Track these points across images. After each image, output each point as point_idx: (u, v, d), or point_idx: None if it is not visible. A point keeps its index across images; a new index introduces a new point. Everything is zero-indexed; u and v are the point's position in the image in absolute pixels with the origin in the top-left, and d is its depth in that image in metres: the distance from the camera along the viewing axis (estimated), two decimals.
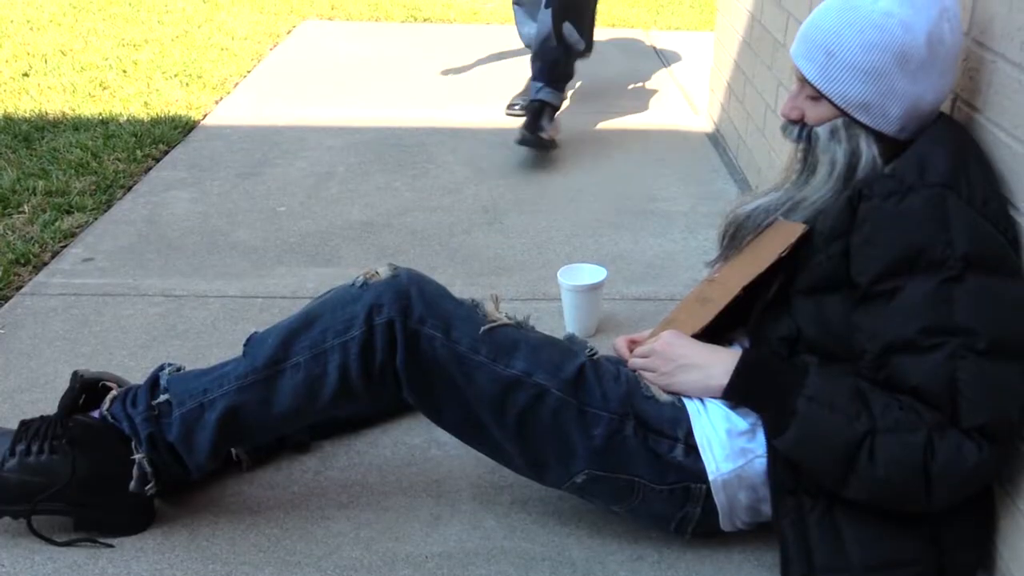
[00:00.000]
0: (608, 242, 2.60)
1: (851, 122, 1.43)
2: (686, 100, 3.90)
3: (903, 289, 1.27)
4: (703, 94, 3.87)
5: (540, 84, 3.06)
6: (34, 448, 1.47)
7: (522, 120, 3.01)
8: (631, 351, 1.60)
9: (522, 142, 2.94)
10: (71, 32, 4.72)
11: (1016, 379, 1.26)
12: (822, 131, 1.45)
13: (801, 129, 1.48)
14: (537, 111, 2.99)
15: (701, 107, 3.78)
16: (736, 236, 1.56)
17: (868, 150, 1.43)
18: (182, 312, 2.23)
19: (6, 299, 2.28)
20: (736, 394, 1.40)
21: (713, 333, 1.51)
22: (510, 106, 3.16)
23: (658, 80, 4.16)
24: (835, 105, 1.43)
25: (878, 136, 1.43)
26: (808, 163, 1.49)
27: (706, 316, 1.50)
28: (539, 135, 2.92)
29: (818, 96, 1.44)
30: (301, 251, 2.55)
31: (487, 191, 2.94)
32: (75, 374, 1.54)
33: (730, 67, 3.31)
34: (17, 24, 4.85)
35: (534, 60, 3.12)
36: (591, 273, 2.16)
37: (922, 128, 1.42)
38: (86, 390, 1.54)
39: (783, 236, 1.47)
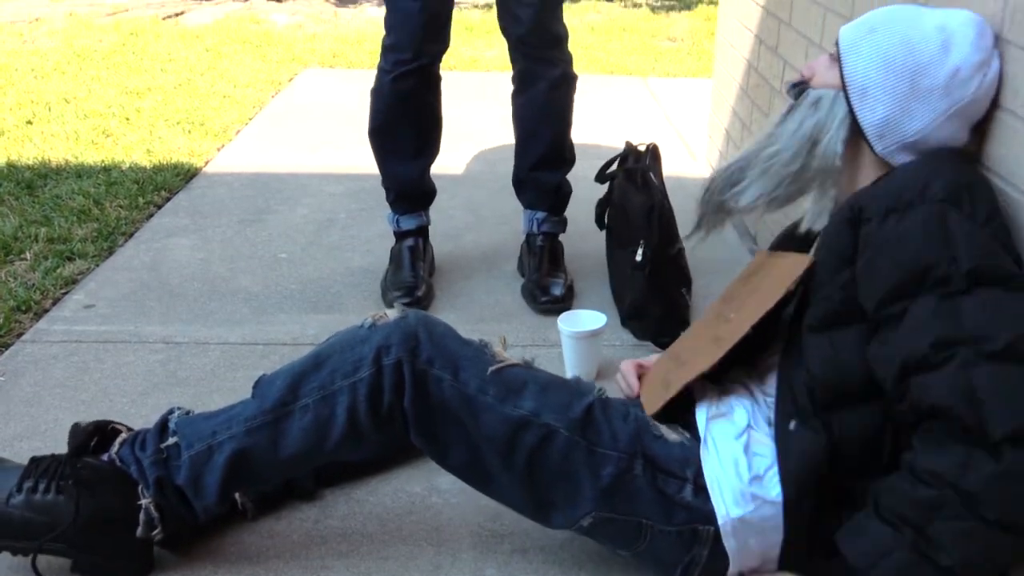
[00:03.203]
0: (608, 288, 2.61)
1: (842, 99, 1.44)
2: (684, 146, 3.93)
3: (911, 310, 1.24)
4: (701, 140, 3.91)
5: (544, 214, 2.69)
6: (41, 486, 1.48)
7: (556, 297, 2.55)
8: (639, 376, 1.60)
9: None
10: (75, 80, 4.77)
11: None
12: (812, 94, 1.47)
13: (800, 84, 1.50)
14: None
15: (699, 153, 3.81)
16: (712, 201, 1.55)
17: (837, 130, 1.44)
18: (183, 359, 2.23)
19: (7, 346, 2.29)
20: None
21: (719, 369, 1.50)
22: (543, 302, 2.53)
23: (656, 126, 4.20)
24: (841, 75, 1.44)
25: (856, 127, 1.43)
26: (786, 117, 1.50)
27: (716, 354, 1.48)
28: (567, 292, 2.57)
29: (836, 60, 1.46)
30: (302, 298, 2.55)
31: (487, 237, 2.96)
32: (75, 426, 1.55)
33: (728, 114, 3.34)
34: (22, 72, 4.90)
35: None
36: (591, 319, 2.17)
37: (900, 152, 1.42)
38: (97, 432, 1.54)
39: (789, 269, 1.45)
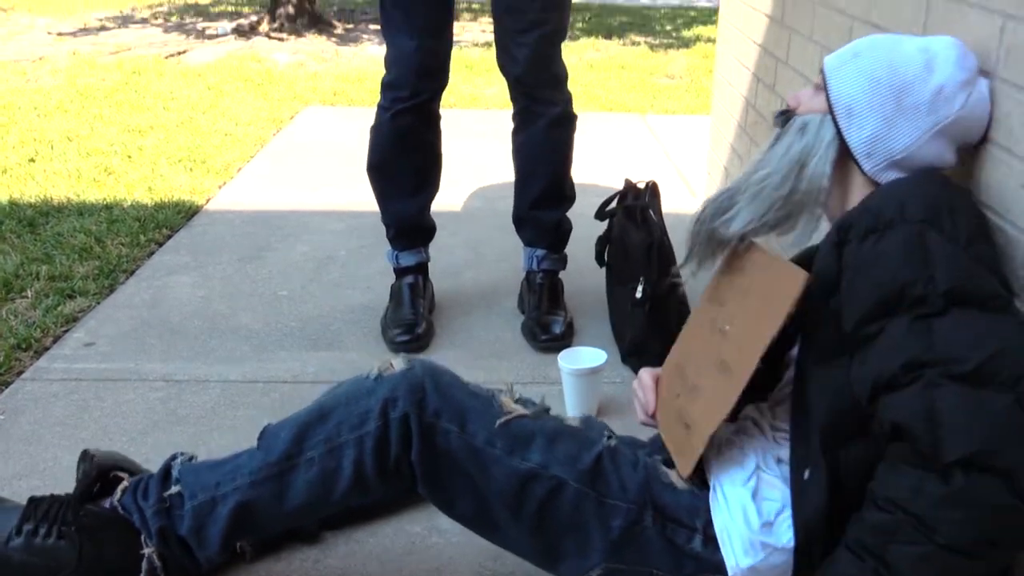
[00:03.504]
0: (608, 325, 2.61)
1: (829, 122, 1.45)
2: (684, 183, 3.95)
3: (886, 329, 1.22)
4: (700, 177, 3.93)
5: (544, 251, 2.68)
6: (42, 530, 1.47)
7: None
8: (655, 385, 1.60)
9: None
10: (78, 119, 4.80)
11: (1005, 413, 1.12)
12: (798, 119, 1.48)
13: (786, 113, 1.52)
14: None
15: (699, 190, 3.83)
16: (703, 231, 1.52)
17: (825, 151, 1.44)
18: (183, 397, 2.23)
19: (7, 384, 2.28)
20: None
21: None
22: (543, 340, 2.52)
23: (655, 163, 4.22)
24: (828, 99, 1.45)
25: (844, 148, 1.44)
26: (774, 143, 1.50)
27: (733, 392, 1.45)
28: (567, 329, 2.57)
29: (822, 86, 1.47)
30: (302, 335, 2.56)
31: (487, 274, 2.97)
32: (85, 453, 1.55)
33: (726, 151, 3.36)
34: (25, 111, 4.94)
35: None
36: (591, 356, 2.17)
37: (888, 170, 1.43)
38: (100, 478, 1.54)
39: (786, 287, 1.41)
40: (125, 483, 1.53)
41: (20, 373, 2.34)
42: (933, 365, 1.17)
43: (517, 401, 1.53)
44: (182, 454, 1.56)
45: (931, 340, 1.19)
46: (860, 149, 1.43)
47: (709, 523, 1.41)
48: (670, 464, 1.50)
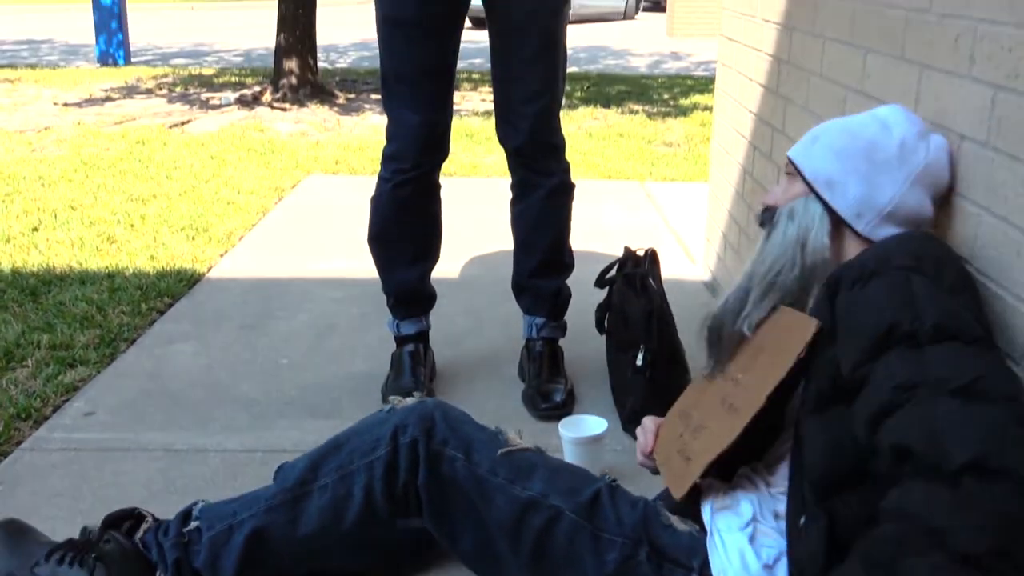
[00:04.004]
0: (609, 393, 2.61)
1: (813, 199, 1.52)
2: (683, 249, 3.97)
3: (878, 367, 1.23)
4: (699, 244, 3.95)
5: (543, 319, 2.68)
6: (67, 559, 1.56)
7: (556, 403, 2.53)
8: (656, 433, 1.62)
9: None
10: (81, 188, 4.85)
11: (1003, 421, 1.12)
12: (784, 209, 1.54)
13: (768, 211, 1.58)
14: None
15: (698, 256, 3.85)
16: (722, 334, 1.55)
17: (819, 226, 1.50)
18: (182, 467, 2.22)
19: (6, 454, 2.28)
20: None
21: (728, 465, 1.48)
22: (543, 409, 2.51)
23: (655, 230, 4.25)
24: (805, 180, 1.53)
25: (834, 217, 1.50)
26: (767, 238, 1.56)
27: (735, 429, 1.45)
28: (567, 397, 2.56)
29: (794, 173, 1.55)
30: (303, 404, 2.55)
31: (487, 342, 2.97)
32: (84, 530, 1.64)
33: (725, 218, 3.39)
34: (29, 180, 4.99)
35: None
36: (592, 425, 2.16)
37: (881, 226, 1.47)
38: (130, 516, 1.64)
39: (797, 333, 1.43)
40: (148, 523, 1.62)
41: (19, 443, 2.33)
42: (925, 385, 1.17)
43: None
44: (203, 500, 1.65)
45: (921, 365, 1.20)
46: (849, 213, 1.50)
47: (706, 563, 1.42)
48: (673, 511, 1.51)
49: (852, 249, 1.50)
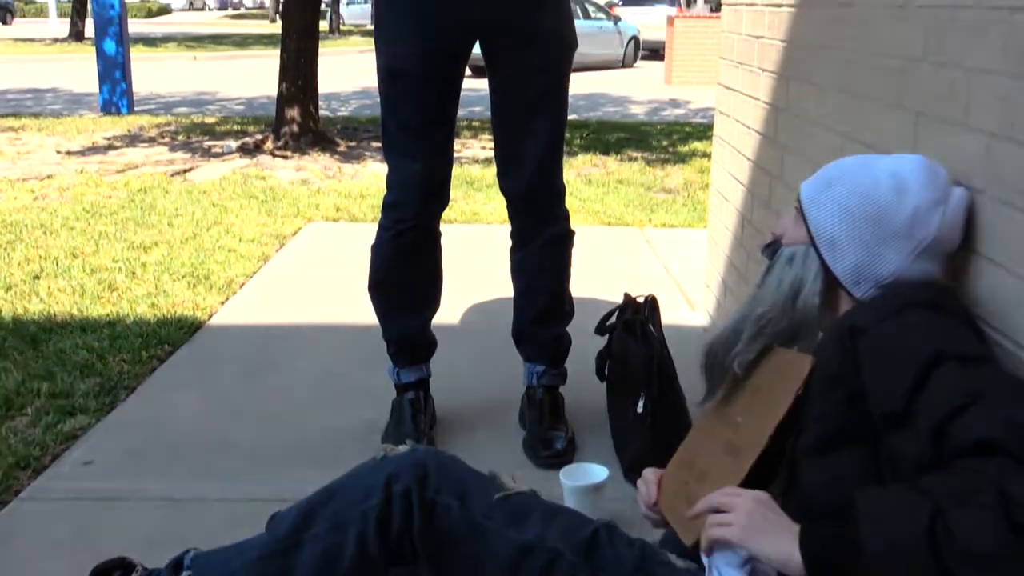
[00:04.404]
0: (610, 440, 2.60)
1: (813, 253, 1.50)
2: (683, 296, 3.98)
3: (931, 386, 1.21)
4: (699, 290, 3.96)
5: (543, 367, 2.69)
6: None
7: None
8: (658, 484, 1.60)
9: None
10: (83, 236, 4.87)
11: None
12: (785, 252, 1.54)
13: (773, 245, 1.57)
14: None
15: (698, 303, 3.85)
16: (716, 366, 1.58)
17: (813, 283, 1.50)
18: (181, 517, 2.21)
19: (4, 504, 2.27)
20: (814, 562, 1.25)
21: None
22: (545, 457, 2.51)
23: (654, 276, 4.26)
24: (808, 231, 1.51)
25: (830, 277, 1.49)
26: (765, 277, 1.56)
27: (741, 470, 1.45)
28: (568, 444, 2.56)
29: (801, 216, 1.53)
30: (303, 453, 2.55)
31: (488, 389, 2.97)
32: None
33: (724, 264, 3.40)
34: (31, 228, 5.01)
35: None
36: (593, 473, 2.16)
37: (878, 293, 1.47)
38: (119, 567, 1.62)
39: (793, 372, 1.44)
40: (138, 572, 1.61)
41: (18, 492, 2.32)
42: (993, 390, 1.17)
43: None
44: (194, 549, 1.61)
45: (978, 376, 1.20)
46: (847, 278, 1.49)
47: None
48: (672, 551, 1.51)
49: (844, 306, 1.51)
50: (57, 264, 4.34)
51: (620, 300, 2.63)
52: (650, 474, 1.67)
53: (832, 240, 1.48)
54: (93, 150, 7.83)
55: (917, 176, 1.46)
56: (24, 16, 47.72)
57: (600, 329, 2.63)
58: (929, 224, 1.44)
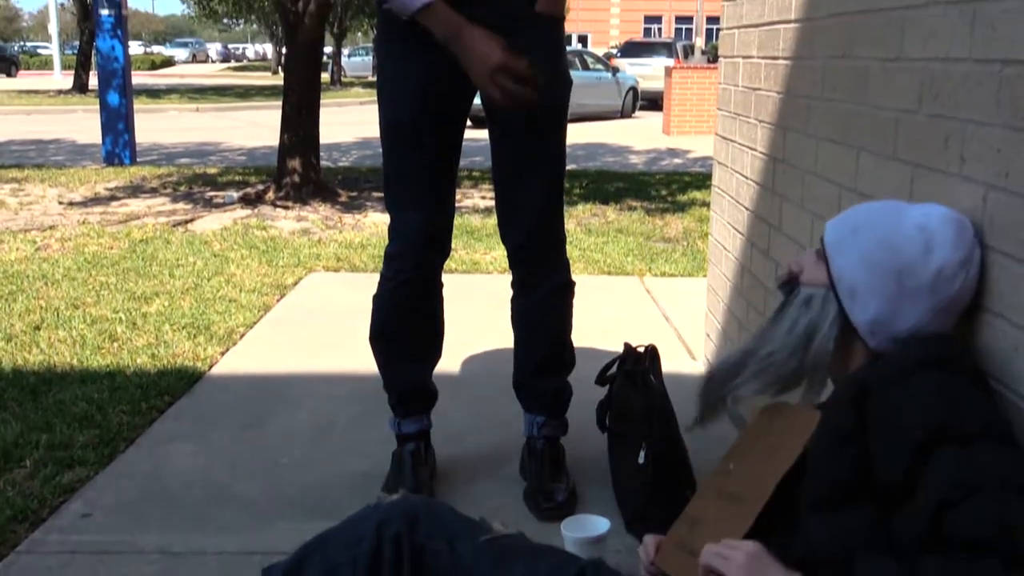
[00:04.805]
0: (611, 491, 2.58)
1: (832, 298, 1.49)
2: (683, 345, 3.98)
3: (932, 466, 1.22)
4: (699, 339, 3.96)
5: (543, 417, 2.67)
6: None
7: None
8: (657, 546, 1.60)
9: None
10: (84, 286, 4.88)
11: None
12: (803, 292, 1.52)
13: (791, 282, 1.55)
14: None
15: (698, 352, 3.85)
16: (712, 394, 1.58)
17: (829, 330, 1.48)
18: (179, 570, 2.19)
19: (1, 557, 2.25)
20: None
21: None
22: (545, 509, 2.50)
23: (655, 326, 4.26)
24: (830, 276, 1.49)
25: (847, 326, 1.48)
26: (779, 315, 1.55)
27: (746, 519, 1.44)
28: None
29: (822, 258, 1.52)
30: (302, 504, 2.53)
31: (489, 440, 2.96)
32: None
33: (724, 313, 3.40)
34: (32, 279, 5.02)
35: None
36: (594, 524, 2.13)
37: (892, 345, 1.46)
38: None
39: (800, 426, 1.44)
40: None
41: (15, 546, 2.30)
42: (990, 482, 1.17)
43: None
44: None
45: (978, 464, 1.20)
46: (864, 329, 1.48)
47: None
48: None
49: (858, 355, 1.50)
50: (58, 315, 4.34)
51: (620, 350, 2.63)
52: (650, 539, 1.65)
53: (853, 289, 1.47)
54: (95, 201, 7.87)
55: (945, 233, 1.45)
56: (29, 68, 48.22)
57: (601, 379, 2.63)
58: (952, 284, 1.43)
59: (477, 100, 2.44)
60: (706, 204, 7.75)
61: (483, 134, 2.55)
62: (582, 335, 3.67)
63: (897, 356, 1.36)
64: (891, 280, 1.44)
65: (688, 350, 3.91)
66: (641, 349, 2.57)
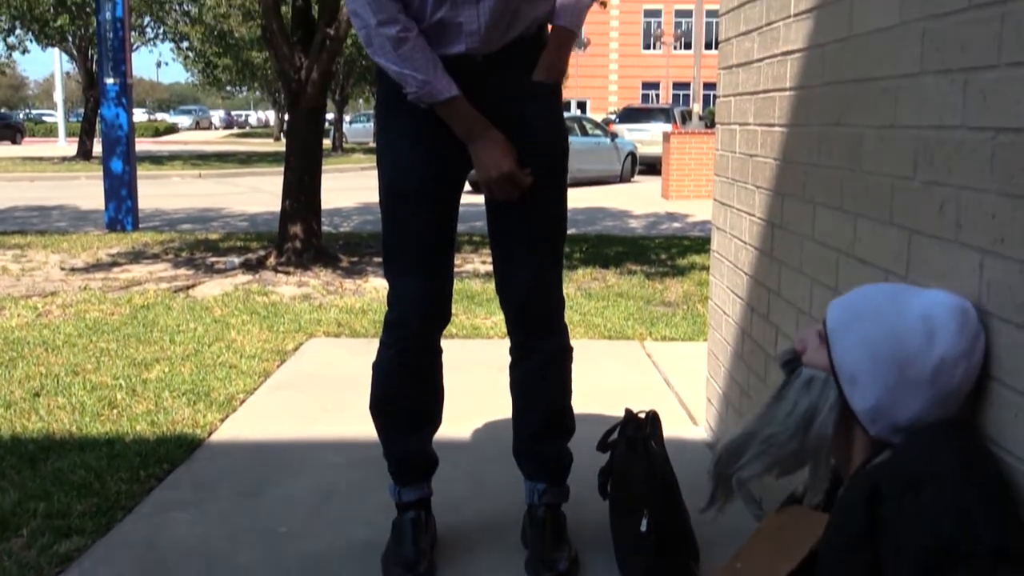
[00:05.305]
0: (613, 559, 2.56)
1: (832, 383, 1.48)
2: (684, 411, 3.96)
3: None
4: (701, 404, 3.94)
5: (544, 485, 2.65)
6: None
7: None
8: None
9: None
10: (84, 353, 4.88)
11: None
12: (804, 373, 1.52)
13: (793, 360, 1.54)
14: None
15: (700, 417, 3.84)
16: (720, 476, 1.57)
17: (828, 413, 1.48)
18: None
19: None
20: None
21: None
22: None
23: (655, 390, 4.25)
24: (831, 361, 1.48)
25: (847, 411, 1.47)
26: (780, 395, 1.54)
27: None
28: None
29: (824, 341, 1.51)
30: (301, 574, 2.50)
31: (490, 507, 2.93)
32: None
33: (725, 378, 3.40)
34: (33, 345, 5.02)
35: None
36: None
37: (894, 434, 1.45)
38: None
39: (810, 528, 1.44)
40: None
41: None
42: None
43: None
44: None
45: None
46: (864, 416, 1.47)
47: None
48: None
49: (860, 442, 1.49)
50: (58, 381, 4.33)
51: (621, 414, 2.62)
52: None
53: (854, 376, 1.46)
54: (97, 267, 7.90)
55: (948, 324, 1.44)
56: (34, 135, 48.74)
57: (602, 446, 2.61)
58: (954, 375, 1.42)
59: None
60: (706, 268, 7.78)
61: (482, 198, 2.57)
62: (583, 399, 3.67)
63: (909, 458, 1.34)
64: (892, 369, 1.43)
65: (690, 415, 3.90)
66: (642, 415, 2.56)
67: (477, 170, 2.36)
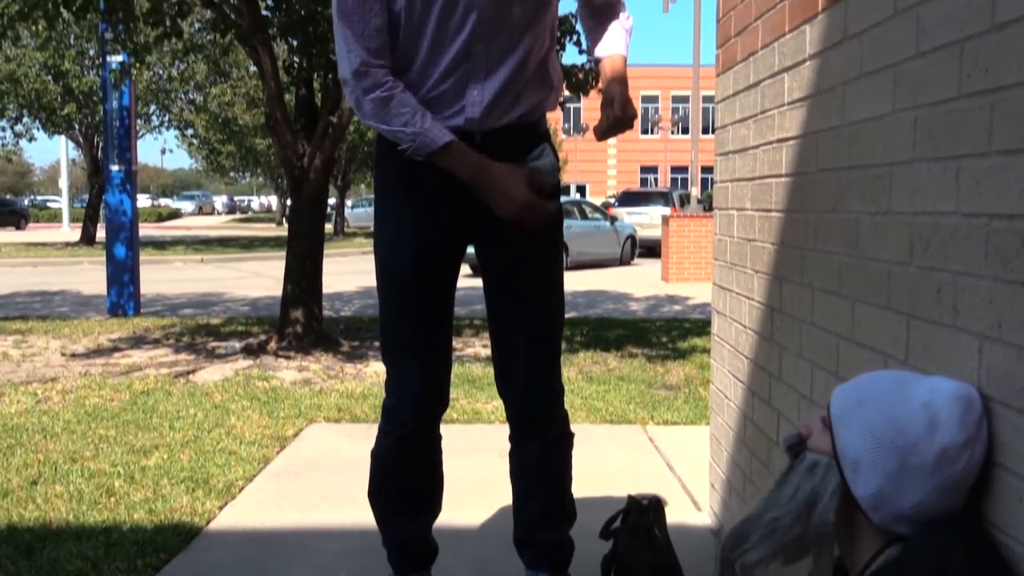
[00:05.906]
0: None
1: (835, 468, 1.47)
2: (687, 496, 3.92)
3: None
4: (704, 489, 3.91)
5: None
6: None
7: None
8: None
9: None
10: (83, 439, 4.85)
11: None
12: (808, 458, 1.51)
13: (798, 445, 1.54)
14: None
15: (703, 502, 3.80)
16: (726, 562, 1.56)
17: (830, 498, 1.46)
18: None
19: None
20: None
21: None
22: None
23: (658, 475, 4.22)
24: (834, 448, 1.48)
25: (849, 497, 1.46)
26: (784, 479, 1.53)
27: None
28: None
29: (828, 427, 1.50)
30: None
31: None
32: None
33: (727, 463, 3.37)
34: (32, 432, 4.99)
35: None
36: None
37: (896, 524, 1.44)
38: None
39: None
40: None
41: None
42: None
43: None
44: None
45: None
46: (866, 503, 1.46)
47: None
48: None
49: (864, 532, 1.48)
50: (56, 469, 4.30)
51: (623, 500, 2.60)
52: None
53: (856, 463, 1.46)
54: (98, 352, 7.90)
55: (951, 412, 1.43)
56: (39, 221, 49.15)
57: (605, 533, 2.58)
58: (956, 464, 1.41)
59: (471, 249, 2.48)
60: (707, 351, 7.77)
61: (481, 281, 2.58)
62: (584, 485, 3.63)
63: (917, 560, 1.34)
64: (894, 457, 1.43)
65: (693, 500, 3.86)
66: (645, 501, 2.54)
67: (493, 208, 2.30)
